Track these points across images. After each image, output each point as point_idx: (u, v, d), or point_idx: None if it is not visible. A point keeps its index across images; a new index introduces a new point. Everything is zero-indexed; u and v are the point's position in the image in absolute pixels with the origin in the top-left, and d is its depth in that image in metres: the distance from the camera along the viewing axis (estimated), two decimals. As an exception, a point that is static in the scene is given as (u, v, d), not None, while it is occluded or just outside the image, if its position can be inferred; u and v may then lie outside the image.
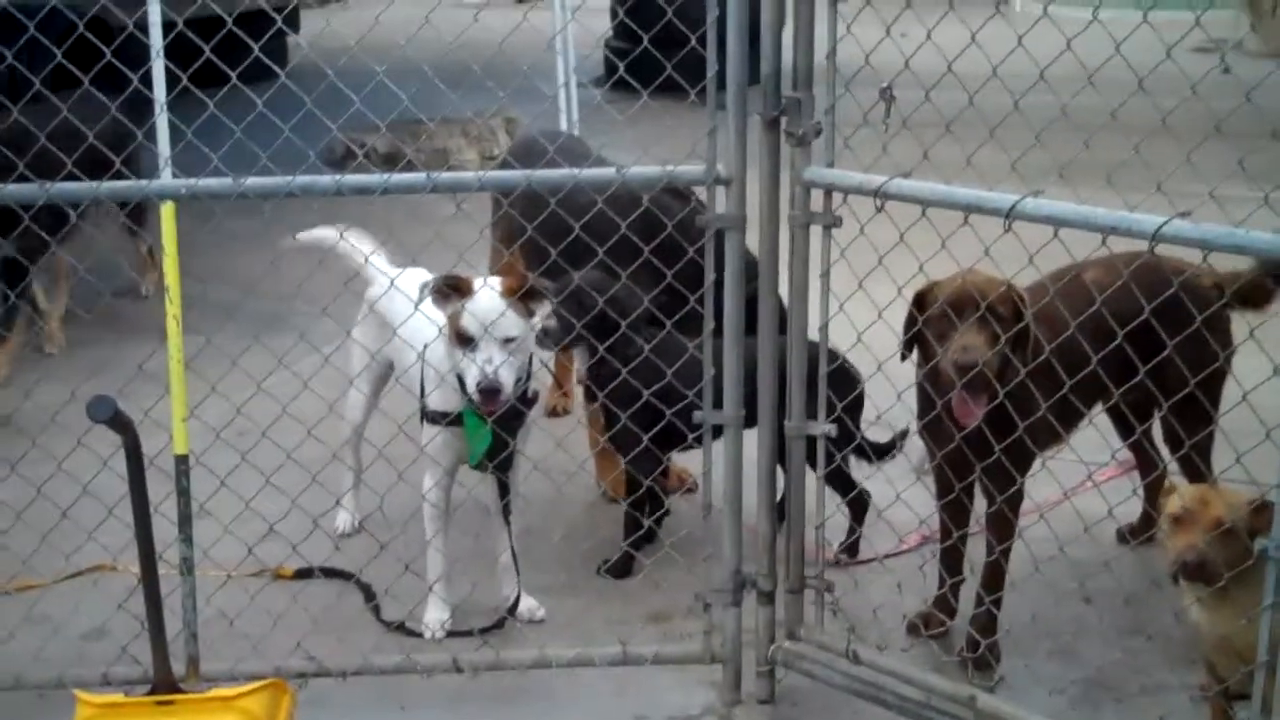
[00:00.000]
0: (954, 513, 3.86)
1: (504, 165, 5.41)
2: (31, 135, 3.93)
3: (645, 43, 3.70)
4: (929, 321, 3.56)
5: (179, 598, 3.57)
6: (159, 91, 3.58)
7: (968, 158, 3.44)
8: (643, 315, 4.21)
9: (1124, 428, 4.37)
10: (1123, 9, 3.43)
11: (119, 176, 3.74)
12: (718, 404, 3.62)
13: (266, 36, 3.69)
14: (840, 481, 4.33)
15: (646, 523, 4.27)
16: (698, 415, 3.66)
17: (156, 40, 3.57)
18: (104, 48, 3.61)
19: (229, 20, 3.49)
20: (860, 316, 3.61)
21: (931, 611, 4.00)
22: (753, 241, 3.58)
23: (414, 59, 3.80)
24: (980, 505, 3.83)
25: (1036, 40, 3.22)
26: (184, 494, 3.55)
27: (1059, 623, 4.01)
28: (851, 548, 4.47)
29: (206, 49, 3.44)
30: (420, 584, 4.04)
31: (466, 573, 4.15)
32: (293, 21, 12.19)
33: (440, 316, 3.84)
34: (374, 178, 3.46)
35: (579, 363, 4.55)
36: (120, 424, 3.11)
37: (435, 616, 4.05)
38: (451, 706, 3.74)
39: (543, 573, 4.30)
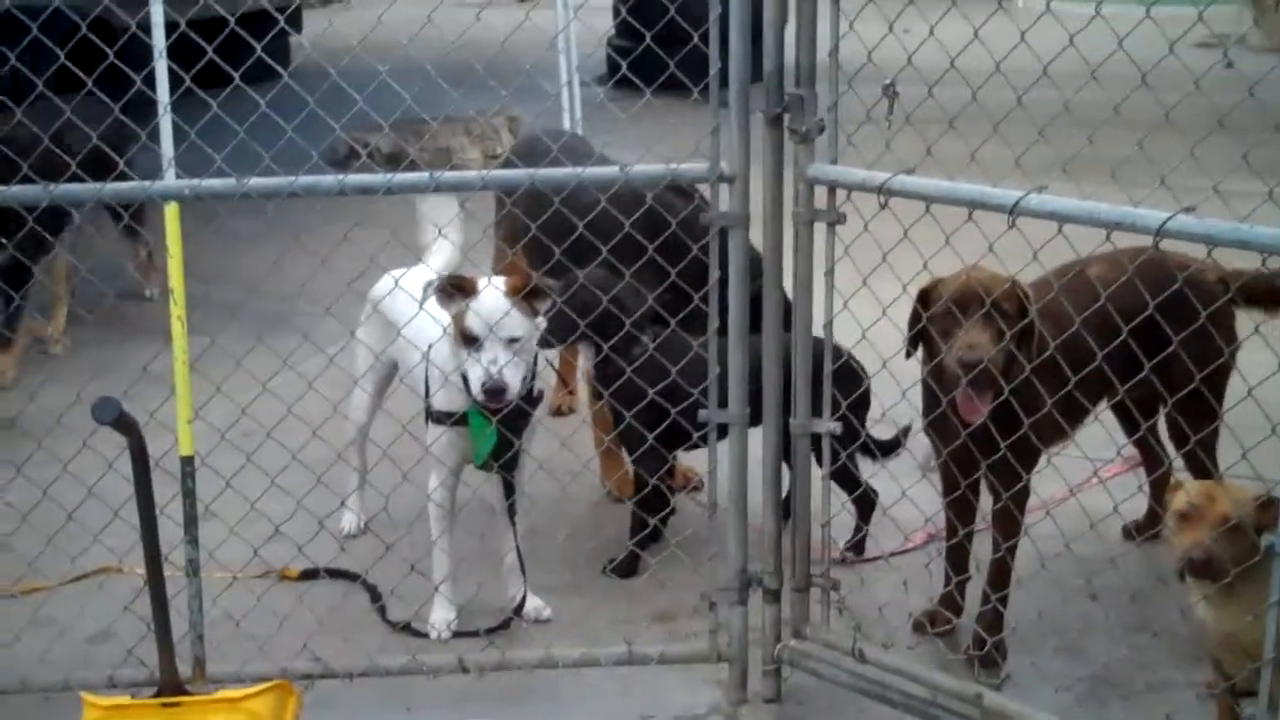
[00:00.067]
0: (960, 510, 3.85)
1: (507, 164, 5.41)
2: (30, 137, 3.94)
3: (648, 41, 3.70)
4: (933, 318, 3.55)
5: (185, 599, 3.57)
6: (162, 92, 3.57)
7: (971, 154, 3.44)
8: (647, 314, 4.21)
9: (1129, 424, 4.36)
10: (1125, 4, 3.42)
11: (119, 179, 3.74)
12: (723, 402, 3.62)
13: (269, 37, 3.67)
14: (846, 479, 4.33)
15: (652, 522, 4.26)
16: (703, 414, 3.65)
17: (159, 41, 3.57)
18: (107, 49, 3.61)
19: (232, 21, 3.48)
20: (864, 314, 3.61)
21: (937, 609, 3.99)
22: (756, 239, 3.58)
23: (416, 58, 3.79)
24: (986, 502, 3.82)
25: (1039, 36, 3.22)
26: (189, 495, 3.55)
27: (1065, 620, 4.01)
28: (857, 546, 4.47)
29: (209, 49, 3.44)
30: (426, 584, 4.04)
31: (472, 573, 4.15)
32: (295, 22, 12.19)
33: (445, 316, 3.83)
34: (377, 177, 3.45)
35: (584, 361, 4.55)
36: (125, 426, 3.11)
37: (441, 617, 4.05)
38: (457, 707, 3.74)
39: (548, 572, 4.30)
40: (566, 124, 7.60)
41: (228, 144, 3.57)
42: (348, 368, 4.46)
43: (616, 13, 12.53)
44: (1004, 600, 3.76)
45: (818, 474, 3.70)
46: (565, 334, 4.23)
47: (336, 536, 4.43)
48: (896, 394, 3.80)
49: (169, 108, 3.57)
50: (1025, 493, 3.73)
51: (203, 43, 3.46)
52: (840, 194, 3.45)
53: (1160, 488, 4.10)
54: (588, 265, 4.22)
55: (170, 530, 3.48)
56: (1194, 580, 3.16)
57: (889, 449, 4.52)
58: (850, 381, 4.05)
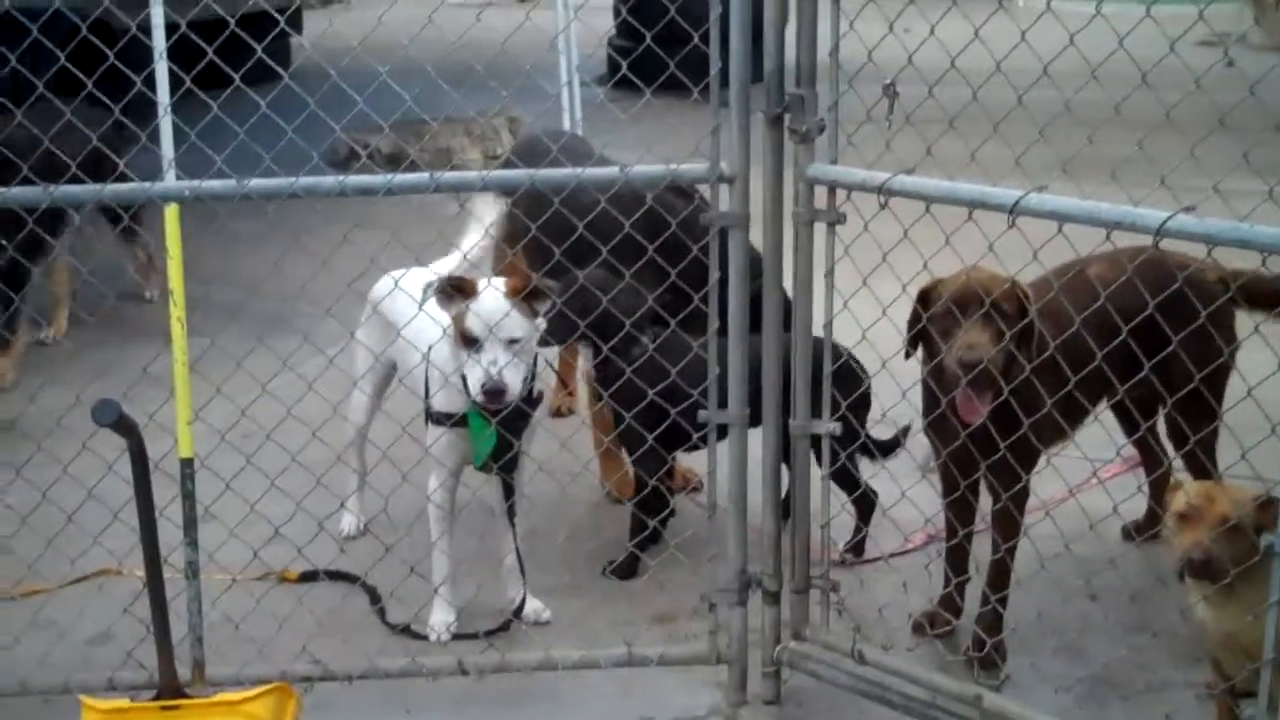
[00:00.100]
0: (959, 511, 3.85)
1: (507, 165, 5.41)
2: (27, 140, 3.93)
3: (648, 41, 3.70)
4: (933, 319, 3.55)
5: (184, 601, 3.56)
6: (162, 94, 3.57)
7: (971, 153, 3.43)
8: (647, 314, 4.21)
9: (1129, 424, 4.36)
10: (1126, 3, 3.42)
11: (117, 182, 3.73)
12: (722, 403, 3.62)
13: (269, 38, 3.68)
14: (846, 480, 4.32)
15: (652, 523, 4.26)
16: (702, 414, 3.65)
17: (159, 42, 3.56)
18: (107, 50, 3.61)
19: (232, 22, 3.48)
20: (864, 314, 3.60)
21: (937, 610, 3.99)
22: (756, 239, 3.57)
23: (417, 59, 3.79)
24: (986, 503, 3.82)
25: (1039, 35, 3.21)
26: (189, 497, 3.55)
27: (1065, 620, 4.01)
28: (857, 547, 4.46)
29: (210, 51, 3.44)
30: (425, 586, 4.03)
31: (472, 574, 4.15)
32: (295, 23, 12.19)
33: (444, 317, 3.83)
34: (377, 178, 3.45)
35: (584, 362, 4.54)
36: (125, 427, 3.11)
37: (440, 619, 4.05)
38: (457, 709, 3.74)
39: (548, 574, 4.30)
40: (567, 124, 7.60)
41: (228, 145, 3.57)
42: (347, 369, 4.46)
43: (617, 13, 12.53)
44: (1003, 601, 3.76)
45: (817, 475, 3.70)
46: (565, 335, 4.23)
47: (336, 538, 4.43)
48: (896, 394, 3.79)
49: (169, 109, 3.57)
50: (1025, 493, 3.73)
51: (203, 44, 3.46)
52: (840, 194, 3.45)
53: (1160, 488, 4.10)
54: (588, 266, 4.22)
55: (170, 532, 3.48)
56: (1193, 580, 3.15)
57: (888, 449, 4.51)
58: (851, 382, 4.05)
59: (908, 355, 3.71)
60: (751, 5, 3.31)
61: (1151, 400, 4.00)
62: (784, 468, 3.73)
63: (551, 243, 4.32)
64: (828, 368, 3.60)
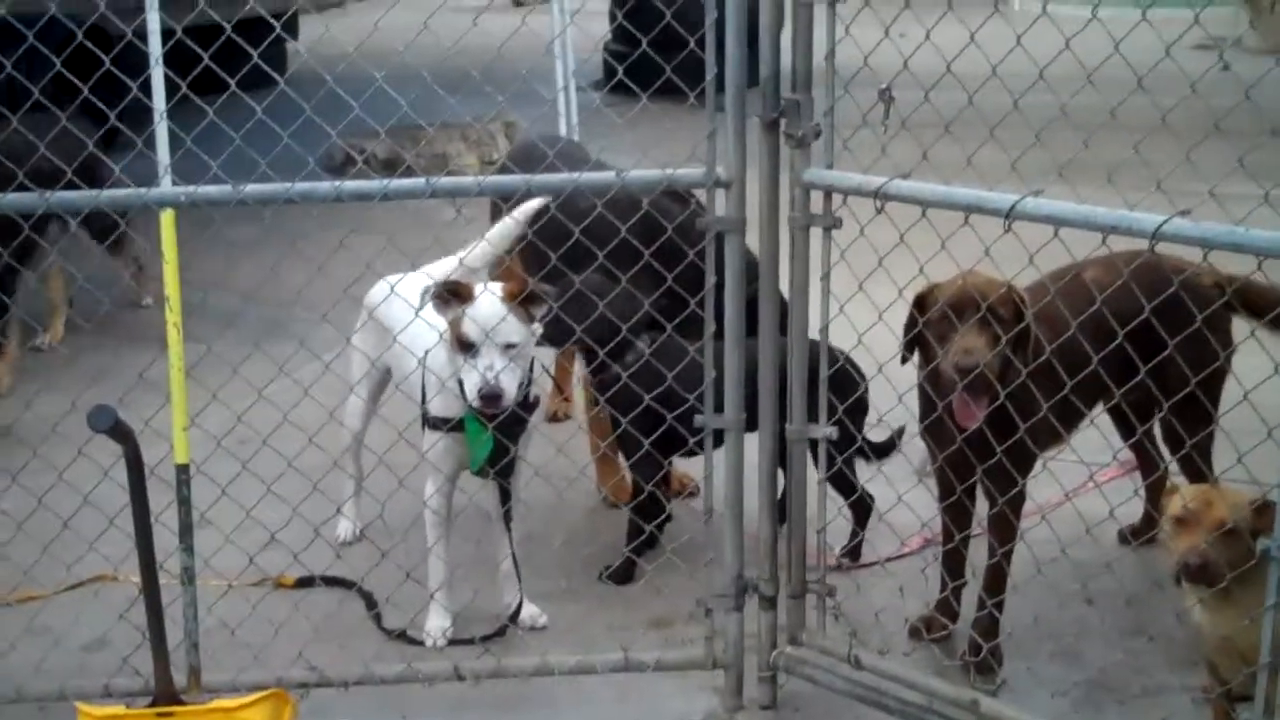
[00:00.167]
0: (956, 515, 3.85)
1: (503, 170, 5.41)
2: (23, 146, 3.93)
3: (644, 46, 3.70)
4: (929, 323, 3.55)
5: (180, 608, 3.56)
6: (158, 99, 3.57)
7: (967, 158, 3.43)
8: (643, 319, 4.20)
9: (1125, 428, 4.36)
10: (1121, 7, 3.43)
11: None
12: (719, 408, 3.62)
13: (265, 43, 3.67)
14: (842, 484, 4.32)
15: (648, 528, 4.26)
16: (699, 419, 3.65)
17: (155, 48, 3.56)
18: (103, 56, 3.61)
19: (228, 27, 3.48)
20: (861, 318, 3.60)
21: (933, 615, 3.99)
22: (753, 244, 3.57)
23: (413, 64, 3.79)
24: (982, 507, 3.82)
25: (1035, 39, 3.21)
26: (185, 503, 3.54)
27: (1061, 625, 4.00)
28: (853, 551, 4.46)
29: (205, 56, 3.43)
30: (421, 592, 4.03)
31: (468, 580, 4.14)
32: (291, 28, 12.20)
33: (441, 322, 3.83)
34: (373, 183, 3.45)
35: (580, 367, 4.54)
36: (121, 433, 3.10)
37: (437, 624, 4.04)
38: (453, 715, 3.73)
39: (544, 579, 4.29)
40: (563, 129, 7.60)
41: (224, 151, 3.57)
42: (344, 374, 4.45)
43: (613, 18, 12.52)
44: (1000, 605, 3.76)
45: (813, 479, 3.70)
46: (562, 339, 4.23)
47: (332, 544, 4.43)
48: (893, 399, 3.79)
49: (165, 114, 3.57)
50: (1021, 497, 3.73)
51: (199, 49, 3.46)
52: (836, 198, 3.46)
53: (1156, 492, 4.10)
54: (584, 271, 4.22)
55: (165, 538, 3.47)
56: (1190, 585, 3.15)
57: (884, 450, 4.51)
58: (847, 386, 4.05)
59: (904, 360, 3.71)
60: (747, 10, 3.32)
61: (1148, 404, 4.00)
62: (780, 472, 3.73)
63: (548, 248, 4.31)
64: (824, 372, 3.60)
